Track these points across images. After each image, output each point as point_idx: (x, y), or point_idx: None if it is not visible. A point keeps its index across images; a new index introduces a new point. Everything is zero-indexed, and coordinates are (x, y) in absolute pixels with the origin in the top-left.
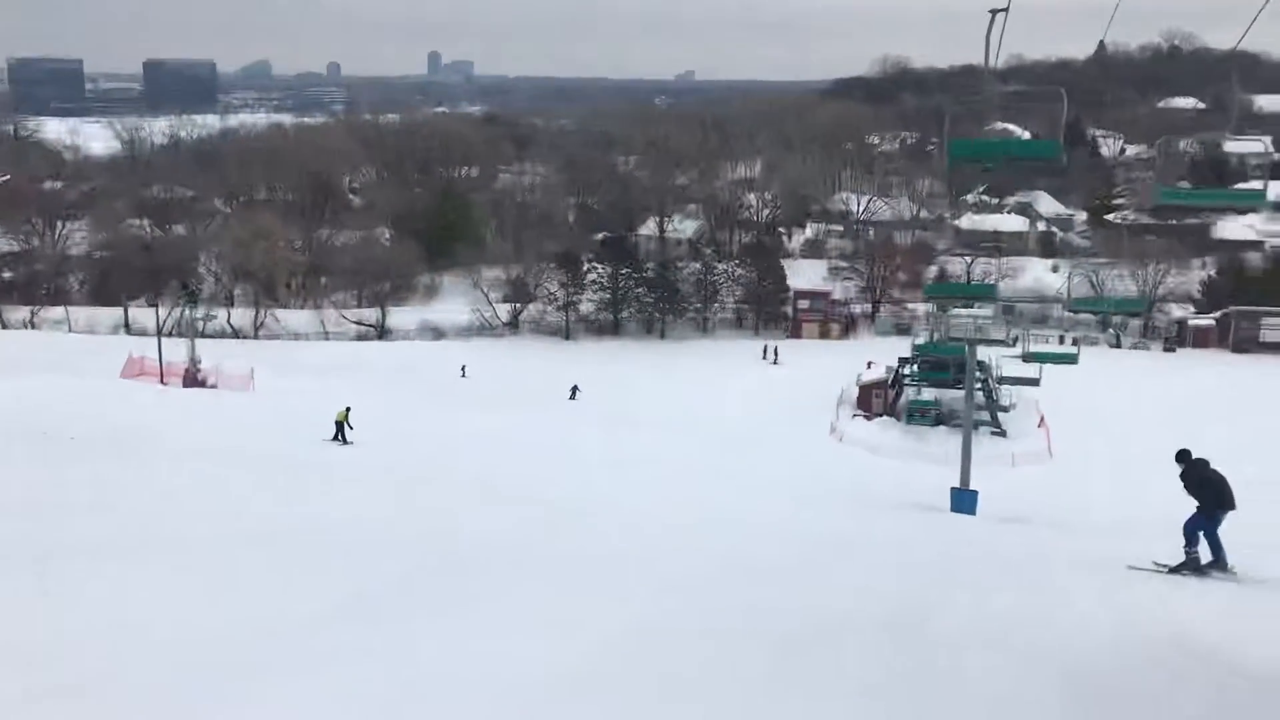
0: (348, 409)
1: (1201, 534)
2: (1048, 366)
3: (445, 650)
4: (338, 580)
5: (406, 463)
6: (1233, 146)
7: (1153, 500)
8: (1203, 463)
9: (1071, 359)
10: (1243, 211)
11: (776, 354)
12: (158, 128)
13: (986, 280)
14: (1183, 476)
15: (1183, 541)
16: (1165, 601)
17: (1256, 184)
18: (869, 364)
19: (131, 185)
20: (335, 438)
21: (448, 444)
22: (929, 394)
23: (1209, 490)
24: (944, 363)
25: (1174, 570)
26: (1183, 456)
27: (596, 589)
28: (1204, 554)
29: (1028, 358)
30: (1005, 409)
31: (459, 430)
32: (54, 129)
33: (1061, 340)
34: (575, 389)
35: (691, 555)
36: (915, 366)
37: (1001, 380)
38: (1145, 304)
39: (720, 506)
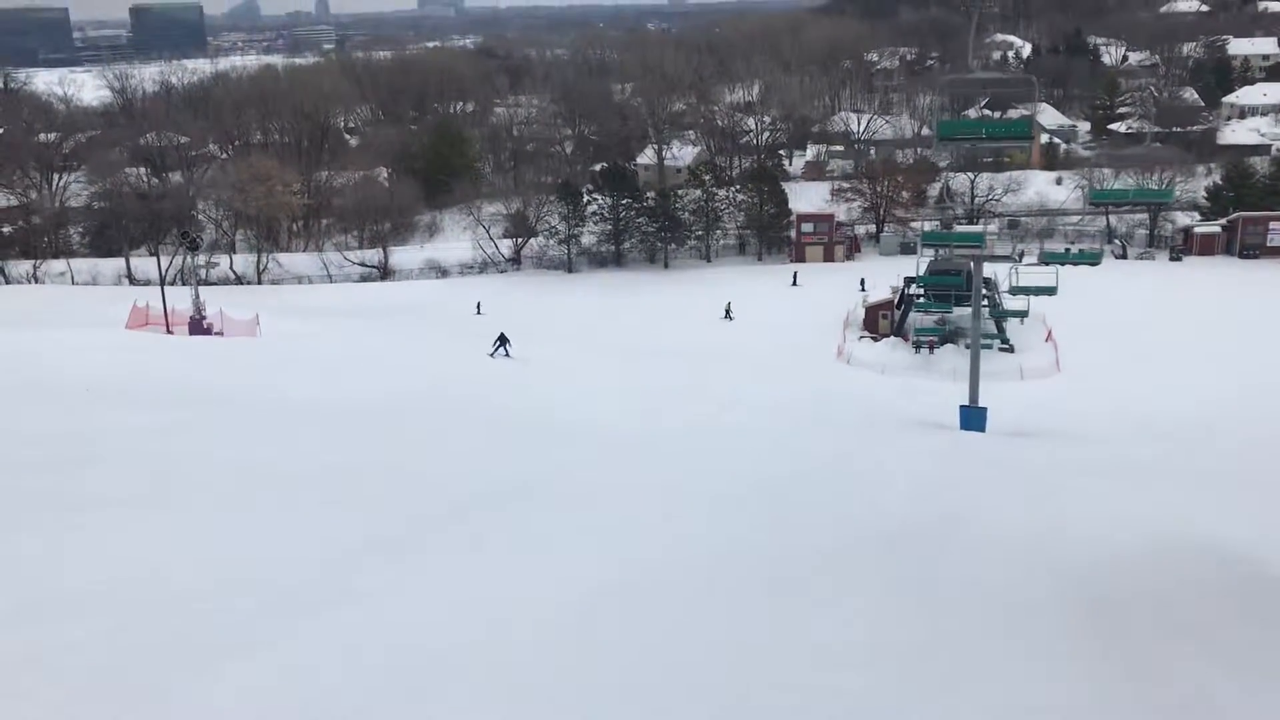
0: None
1: (504, 349)
2: (1061, 277)
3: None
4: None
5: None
6: (1239, 47)
7: (1157, 408)
8: (502, 335)
9: (1094, 258)
10: (1159, 208)
11: (795, 277)
12: (148, 74)
13: (991, 193)
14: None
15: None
16: (1177, 508)
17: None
18: (891, 288)
19: (126, 134)
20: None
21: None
22: (934, 317)
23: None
24: (956, 269)
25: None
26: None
27: (635, 514)
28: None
29: (1046, 259)
30: (1006, 335)
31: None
32: (44, 80)
33: (1068, 250)
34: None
35: (714, 478)
36: (927, 269)
37: (1017, 290)
38: (1100, 256)
39: (738, 430)
